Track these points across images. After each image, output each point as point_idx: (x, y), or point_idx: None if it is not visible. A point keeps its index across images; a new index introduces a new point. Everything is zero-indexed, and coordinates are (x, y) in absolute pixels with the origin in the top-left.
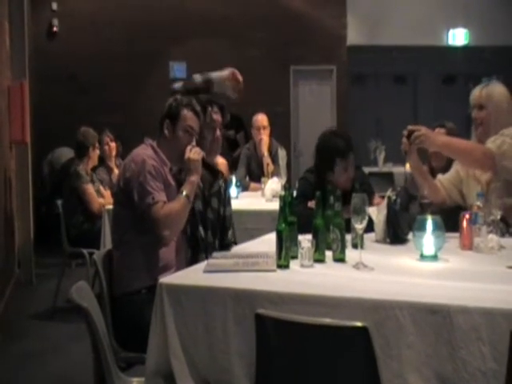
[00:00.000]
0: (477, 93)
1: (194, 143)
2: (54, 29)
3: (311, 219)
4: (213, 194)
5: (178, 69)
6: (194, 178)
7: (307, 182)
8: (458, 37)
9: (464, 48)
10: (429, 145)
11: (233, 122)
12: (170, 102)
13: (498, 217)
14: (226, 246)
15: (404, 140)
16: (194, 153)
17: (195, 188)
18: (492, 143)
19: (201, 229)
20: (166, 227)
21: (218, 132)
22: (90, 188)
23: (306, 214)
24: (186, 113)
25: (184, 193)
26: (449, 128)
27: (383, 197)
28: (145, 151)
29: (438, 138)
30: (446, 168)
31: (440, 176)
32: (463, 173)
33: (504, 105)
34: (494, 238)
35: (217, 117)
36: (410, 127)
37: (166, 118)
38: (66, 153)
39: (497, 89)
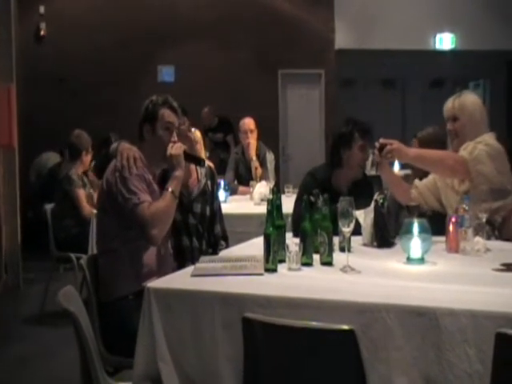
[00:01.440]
0: (449, 105)
1: (175, 138)
2: (42, 32)
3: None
4: (194, 199)
5: (166, 72)
6: (179, 173)
7: (312, 179)
8: (445, 41)
9: (451, 52)
10: (401, 158)
11: (221, 125)
12: (146, 105)
13: (484, 220)
14: (214, 243)
15: (376, 152)
16: (175, 148)
17: (181, 183)
18: (464, 150)
19: (184, 238)
20: (154, 226)
21: (191, 134)
22: (81, 193)
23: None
24: (164, 111)
25: (170, 189)
26: (419, 138)
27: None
28: None
29: (410, 151)
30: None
31: (417, 181)
32: (440, 183)
33: (477, 114)
34: (480, 241)
35: (184, 126)
36: (382, 140)
37: (144, 123)
38: (52, 157)
39: (469, 99)
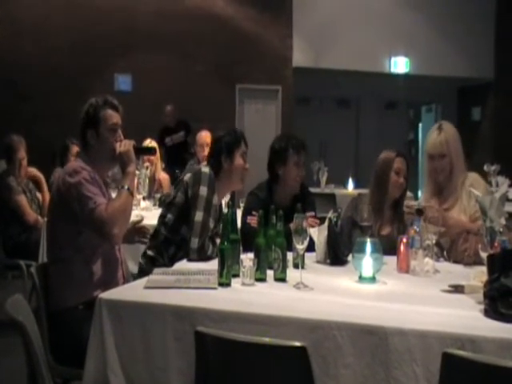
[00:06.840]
0: (435, 142)
1: (121, 137)
2: None
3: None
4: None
5: (122, 81)
6: (131, 169)
7: (256, 198)
8: (399, 65)
9: (405, 76)
10: (441, 225)
11: (181, 126)
12: (86, 110)
13: (434, 241)
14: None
15: (409, 211)
16: (123, 145)
17: (135, 177)
18: (477, 190)
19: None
20: (114, 226)
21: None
22: (22, 200)
23: (255, 231)
24: (105, 112)
25: (125, 186)
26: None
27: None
28: (77, 163)
29: (450, 219)
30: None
31: None
32: None
33: (459, 146)
34: (429, 262)
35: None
36: (421, 205)
37: (87, 128)
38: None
39: (450, 132)
